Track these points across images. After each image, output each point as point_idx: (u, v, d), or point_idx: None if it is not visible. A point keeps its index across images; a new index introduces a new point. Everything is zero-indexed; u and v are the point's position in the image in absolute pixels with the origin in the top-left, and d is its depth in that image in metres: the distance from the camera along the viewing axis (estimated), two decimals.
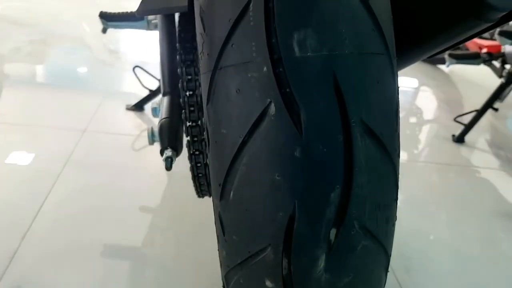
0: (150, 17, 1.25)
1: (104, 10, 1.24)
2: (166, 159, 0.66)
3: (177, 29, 0.69)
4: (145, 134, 1.63)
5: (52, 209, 1.17)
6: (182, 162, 1.02)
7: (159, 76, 1.69)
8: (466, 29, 0.65)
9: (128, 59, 2.21)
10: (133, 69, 1.66)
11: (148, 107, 1.74)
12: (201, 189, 0.74)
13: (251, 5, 0.41)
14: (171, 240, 1.14)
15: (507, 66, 1.80)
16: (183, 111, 0.67)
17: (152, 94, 1.72)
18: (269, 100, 0.40)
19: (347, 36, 0.41)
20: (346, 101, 0.40)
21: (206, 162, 0.70)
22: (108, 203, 1.23)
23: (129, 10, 1.25)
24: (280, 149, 0.41)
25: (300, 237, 0.42)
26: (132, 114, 1.73)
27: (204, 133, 0.47)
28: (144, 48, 2.22)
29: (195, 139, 0.68)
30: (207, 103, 0.46)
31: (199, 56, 0.47)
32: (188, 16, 0.71)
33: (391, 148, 0.44)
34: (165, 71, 0.79)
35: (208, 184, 0.72)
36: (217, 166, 0.45)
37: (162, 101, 0.76)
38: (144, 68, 1.72)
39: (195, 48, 0.69)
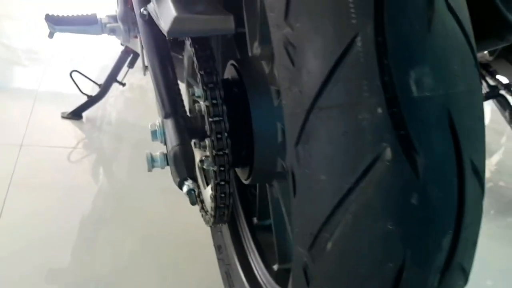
0: (105, 20, 1.14)
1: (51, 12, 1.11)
2: (189, 193, 0.60)
3: (191, 46, 0.62)
4: (87, 145, 1.50)
5: (5, 242, 1.03)
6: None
7: (99, 81, 1.57)
8: (483, 48, 0.67)
9: (57, 58, 1.99)
10: (70, 74, 1.51)
11: (86, 114, 1.60)
12: (219, 219, 0.68)
13: (358, 38, 0.37)
14: (146, 265, 1.06)
15: None
16: (208, 138, 0.61)
17: (91, 100, 1.58)
18: (384, 144, 0.37)
19: (458, 73, 0.38)
20: (460, 141, 0.38)
21: (231, 192, 0.65)
22: (64, 230, 1.11)
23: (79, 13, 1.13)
24: (395, 196, 0.38)
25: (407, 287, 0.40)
26: (69, 123, 1.57)
27: (288, 176, 0.43)
28: (80, 48, 2.02)
29: (222, 168, 0.62)
30: (296, 144, 0.41)
31: (283, 92, 0.42)
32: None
33: (484, 185, 0.43)
34: (163, 89, 0.71)
35: (227, 214, 0.67)
36: (310, 213, 0.41)
37: (165, 125, 0.69)
38: (80, 70, 1.57)
39: (216, 69, 0.62)
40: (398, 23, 0.37)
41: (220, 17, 0.54)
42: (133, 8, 1.13)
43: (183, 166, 0.62)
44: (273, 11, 0.42)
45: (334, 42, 0.38)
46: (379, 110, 0.37)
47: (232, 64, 0.72)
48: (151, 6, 0.73)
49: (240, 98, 0.67)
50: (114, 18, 1.13)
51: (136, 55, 1.47)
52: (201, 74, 0.62)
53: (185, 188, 0.61)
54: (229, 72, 0.72)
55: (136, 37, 1.19)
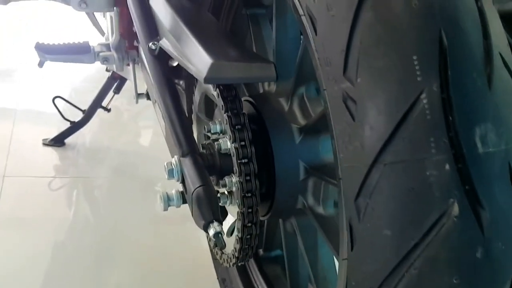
0: (97, 48, 1.11)
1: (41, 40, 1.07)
2: (217, 236, 0.58)
3: (215, 87, 0.61)
4: (71, 174, 1.45)
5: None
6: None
7: (83, 106, 1.52)
8: None
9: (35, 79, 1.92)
10: (53, 100, 1.46)
11: (69, 141, 1.55)
12: (241, 259, 0.67)
13: (424, 95, 0.37)
14: None
15: None
16: (237, 179, 0.60)
17: (74, 126, 1.54)
18: (451, 199, 0.37)
19: None
20: None
21: (257, 233, 0.63)
22: (53, 265, 1.07)
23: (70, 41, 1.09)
24: (461, 251, 0.38)
25: None
26: (51, 150, 1.52)
27: (344, 227, 0.42)
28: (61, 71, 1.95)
29: (250, 210, 0.61)
30: (356, 198, 0.41)
31: (340, 145, 0.41)
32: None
33: None
34: (178, 127, 0.70)
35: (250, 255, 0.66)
36: (370, 268, 0.41)
37: (182, 163, 0.67)
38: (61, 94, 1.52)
39: (243, 111, 0.61)
40: (462, 80, 0.38)
41: (261, 65, 0.53)
42: (126, 36, 1.11)
43: (208, 209, 0.61)
44: (329, 65, 0.42)
45: (399, 99, 0.38)
46: (447, 167, 0.37)
47: (248, 101, 0.71)
48: (165, 43, 0.71)
49: (261, 136, 0.66)
50: (106, 46, 1.11)
51: (123, 81, 1.44)
52: (228, 116, 0.61)
53: (211, 232, 0.59)
54: (246, 109, 0.71)
55: (128, 64, 1.17)
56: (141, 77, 1.18)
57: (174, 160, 0.70)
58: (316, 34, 0.43)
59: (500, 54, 0.40)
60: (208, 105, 0.81)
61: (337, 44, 0.41)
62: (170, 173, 0.70)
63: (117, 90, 1.48)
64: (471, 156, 0.37)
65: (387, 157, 0.38)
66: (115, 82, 1.45)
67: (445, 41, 0.38)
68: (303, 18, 0.46)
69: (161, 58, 0.79)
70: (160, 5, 0.81)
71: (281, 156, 0.66)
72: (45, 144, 1.52)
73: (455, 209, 0.37)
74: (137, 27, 0.83)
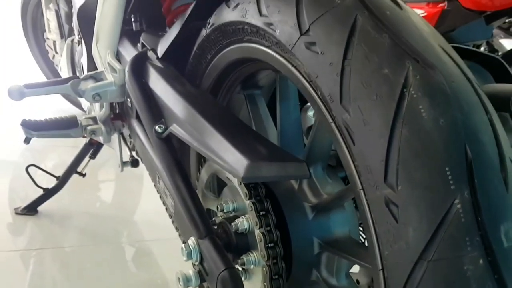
0: (85, 122, 1.13)
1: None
2: None
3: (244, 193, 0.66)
4: (45, 245, 1.41)
5: None
6: None
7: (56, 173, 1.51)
8: None
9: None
10: (26, 169, 1.43)
11: (42, 208, 1.51)
12: None
13: (457, 200, 0.44)
14: None
15: None
16: (264, 262, 0.64)
17: (48, 193, 1.51)
18: None
19: None
20: None
21: None
22: None
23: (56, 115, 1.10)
24: None
25: None
26: (23, 220, 1.47)
27: None
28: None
29: (275, 276, 0.65)
30: None
31: (385, 243, 0.47)
32: None
33: None
34: (193, 210, 0.73)
35: None
36: None
37: (201, 245, 0.70)
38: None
39: (266, 197, 0.66)
40: (486, 186, 0.45)
41: (296, 164, 0.59)
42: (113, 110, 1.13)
43: None
44: (370, 172, 0.48)
45: (437, 204, 0.44)
46: (481, 261, 0.44)
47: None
48: (178, 130, 0.75)
49: (277, 216, 0.71)
50: (93, 119, 1.13)
51: (99, 146, 1.45)
52: (252, 202, 0.65)
53: None
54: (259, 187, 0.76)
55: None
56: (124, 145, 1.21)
57: (192, 242, 0.72)
58: (354, 144, 0.49)
59: (510, 160, 0.48)
60: (216, 183, 0.85)
61: (377, 154, 0.47)
62: (189, 255, 0.72)
63: (93, 156, 1.48)
64: (499, 250, 0.44)
65: (430, 255, 0.44)
66: (92, 148, 1.45)
67: (469, 153, 0.45)
68: (333, 126, 0.52)
69: (168, 140, 0.82)
70: (162, 88, 0.86)
71: (296, 233, 0.71)
72: (17, 213, 1.48)
73: None
74: (140, 110, 0.87)
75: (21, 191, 1.57)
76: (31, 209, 1.49)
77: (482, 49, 2.10)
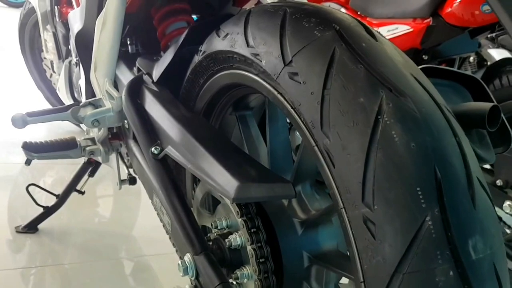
0: (83, 143, 1.17)
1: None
2: None
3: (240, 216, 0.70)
4: (46, 262, 1.44)
5: None
6: None
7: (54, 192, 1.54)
8: None
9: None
10: (27, 188, 1.47)
11: (42, 226, 1.55)
12: None
13: (428, 217, 0.48)
14: None
15: None
16: (256, 277, 0.68)
17: (48, 211, 1.55)
18: None
19: (494, 234, 0.51)
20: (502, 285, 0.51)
21: None
22: None
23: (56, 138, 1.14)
24: None
25: None
26: (24, 238, 1.51)
27: None
28: None
29: None
30: None
31: (364, 258, 0.51)
32: None
33: None
34: (189, 228, 0.77)
35: None
36: None
37: (197, 261, 0.74)
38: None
39: (257, 215, 0.71)
40: (454, 204, 0.49)
41: (283, 185, 0.63)
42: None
43: None
44: (349, 192, 0.52)
45: (410, 221, 0.49)
46: (451, 273, 0.48)
47: None
48: (174, 152, 0.79)
49: (268, 232, 0.75)
50: (92, 140, 1.17)
51: (98, 165, 1.49)
52: (244, 220, 0.70)
53: None
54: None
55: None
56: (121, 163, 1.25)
57: (188, 258, 0.76)
58: (334, 167, 0.54)
59: (478, 178, 0.52)
60: (210, 201, 0.89)
61: (354, 177, 0.52)
62: (185, 271, 0.76)
63: (92, 174, 1.52)
64: (468, 263, 0.48)
65: (405, 268, 0.49)
66: (91, 166, 1.49)
67: (439, 174, 0.49)
68: (316, 149, 0.57)
69: (164, 161, 0.86)
70: (158, 112, 0.90)
71: (287, 248, 0.75)
72: (18, 232, 1.52)
73: None
74: (136, 132, 0.91)
75: (22, 210, 1.61)
76: (31, 227, 1.53)
77: (471, 58, 2.15)
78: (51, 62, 2.02)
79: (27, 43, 2.63)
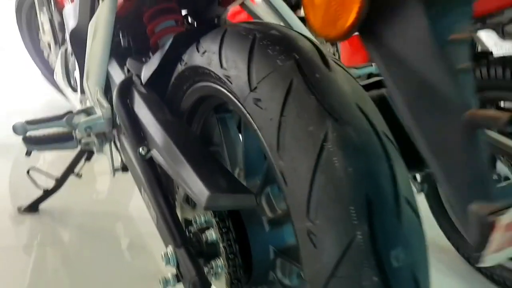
0: (79, 135, 1.26)
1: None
2: None
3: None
4: (48, 241, 1.56)
5: None
6: None
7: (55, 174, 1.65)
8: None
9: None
10: (27, 172, 1.57)
11: (43, 207, 1.66)
12: None
13: (359, 232, 0.58)
14: None
15: None
16: (226, 270, 0.78)
17: (47, 193, 1.65)
18: None
19: (414, 246, 0.61)
20: None
21: None
22: None
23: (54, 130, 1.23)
24: None
25: None
26: (27, 218, 1.62)
27: None
28: None
29: (235, 281, 0.80)
30: None
31: (306, 265, 0.61)
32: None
33: None
34: (171, 223, 0.87)
35: None
36: None
37: (178, 253, 0.84)
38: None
39: (228, 216, 0.81)
40: (382, 221, 0.59)
41: (246, 196, 0.73)
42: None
43: None
44: (298, 207, 0.62)
45: (344, 235, 0.59)
46: (375, 278, 0.58)
47: None
48: (158, 156, 0.89)
49: (239, 227, 0.86)
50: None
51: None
52: (216, 221, 0.80)
53: None
54: None
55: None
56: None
57: (170, 250, 0.87)
58: (286, 185, 0.63)
59: (405, 197, 0.62)
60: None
61: (302, 195, 0.61)
62: (167, 261, 0.87)
63: (88, 158, 1.62)
64: (389, 270, 0.58)
65: (339, 273, 0.59)
66: (87, 152, 1.58)
67: (370, 195, 0.59)
68: (275, 167, 0.66)
69: (151, 160, 0.96)
70: (145, 114, 0.99)
71: (255, 242, 0.86)
72: (20, 212, 1.63)
73: None
74: (125, 131, 1.00)
75: (23, 192, 1.71)
76: (32, 208, 1.64)
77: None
78: (48, 44, 2.08)
79: (24, 23, 2.68)
